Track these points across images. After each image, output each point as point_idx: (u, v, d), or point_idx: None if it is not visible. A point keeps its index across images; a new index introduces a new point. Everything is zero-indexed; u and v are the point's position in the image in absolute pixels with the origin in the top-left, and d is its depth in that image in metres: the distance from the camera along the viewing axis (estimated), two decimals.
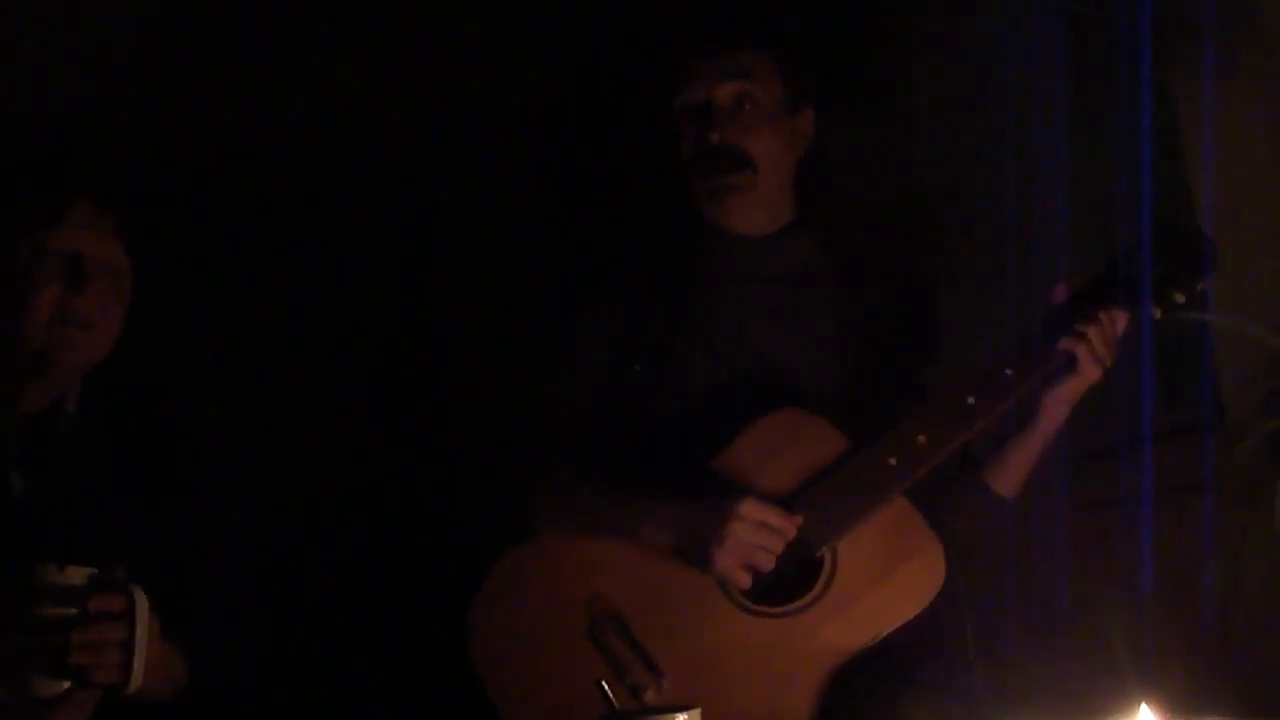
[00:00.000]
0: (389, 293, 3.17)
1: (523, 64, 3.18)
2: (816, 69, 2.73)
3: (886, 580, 2.36)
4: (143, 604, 2.03)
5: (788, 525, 2.34)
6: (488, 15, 3.12)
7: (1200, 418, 2.84)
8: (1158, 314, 2.39)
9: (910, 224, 3.12)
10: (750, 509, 2.33)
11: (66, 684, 2.00)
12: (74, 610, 2.01)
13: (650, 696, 2.34)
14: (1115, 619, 2.77)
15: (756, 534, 2.33)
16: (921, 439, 2.36)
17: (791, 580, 2.36)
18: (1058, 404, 2.42)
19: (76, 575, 2.02)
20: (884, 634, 2.35)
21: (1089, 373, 2.37)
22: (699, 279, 2.61)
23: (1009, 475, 2.50)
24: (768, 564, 2.34)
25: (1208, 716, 1.92)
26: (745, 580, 2.35)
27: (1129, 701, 1.86)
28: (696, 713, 1.94)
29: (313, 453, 3.05)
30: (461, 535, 2.66)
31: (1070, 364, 2.37)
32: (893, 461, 2.36)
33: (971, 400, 2.37)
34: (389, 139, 3.14)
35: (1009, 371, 2.38)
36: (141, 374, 2.37)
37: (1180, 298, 2.38)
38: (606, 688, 2.17)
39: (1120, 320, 2.38)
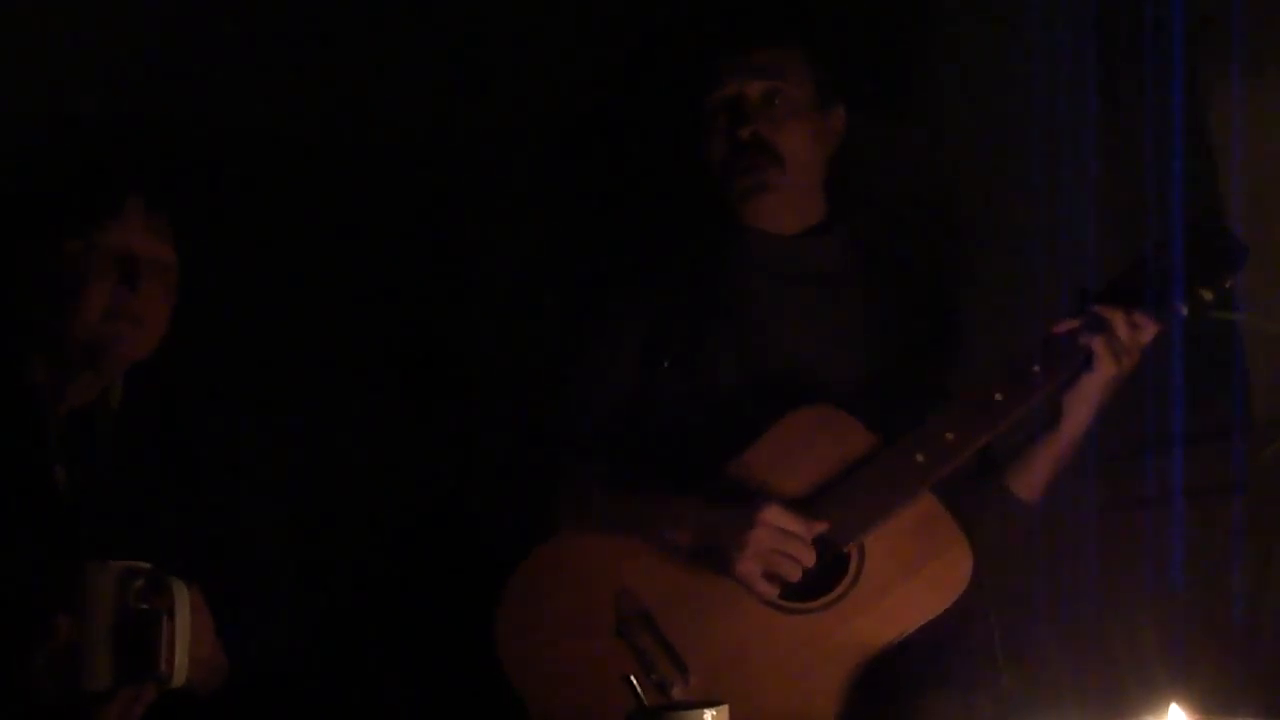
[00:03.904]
0: (419, 291, 3.19)
1: (553, 60, 3.19)
2: (847, 67, 2.73)
3: (913, 577, 2.36)
4: (183, 598, 2.04)
5: (810, 533, 2.34)
6: (518, 12, 3.14)
7: (1230, 419, 2.83)
8: (1185, 312, 2.38)
9: (939, 222, 3.12)
10: (772, 515, 2.33)
11: (112, 679, 2.02)
12: (119, 606, 2.02)
13: (677, 692, 2.34)
14: (1143, 620, 2.76)
15: (778, 541, 2.33)
16: (949, 435, 2.36)
17: (818, 576, 2.36)
18: (1080, 404, 2.41)
19: (121, 570, 2.04)
20: (910, 630, 2.35)
21: (1106, 368, 2.36)
22: (728, 277, 2.61)
23: (1031, 479, 2.49)
24: (793, 573, 2.34)
25: (1237, 717, 1.91)
26: (767, 589, 2.35)
27: (1158, 702, 1.86)
28: (724, 709, 1.94)
29: (344, 448, 3.06)
30: (487, 532, 2.66)
31: (1088, 359, 2.36)
32: (920, 458, 2.36)
33: (999, 397, 2.37)
34: (419, 137, 3.15)
35: (1036, 368, 2.38)
36: (182, 370, 2.39)
37: (1208, 295, 2.37)
38: (634, 683, 2.18)
39: (1148, 328, 2.37)
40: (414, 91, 3.16)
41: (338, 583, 2.91)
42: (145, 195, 2.29)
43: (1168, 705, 1.86)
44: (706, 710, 1.94)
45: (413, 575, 3.05)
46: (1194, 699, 1.87)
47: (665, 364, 2.55)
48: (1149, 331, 2.37)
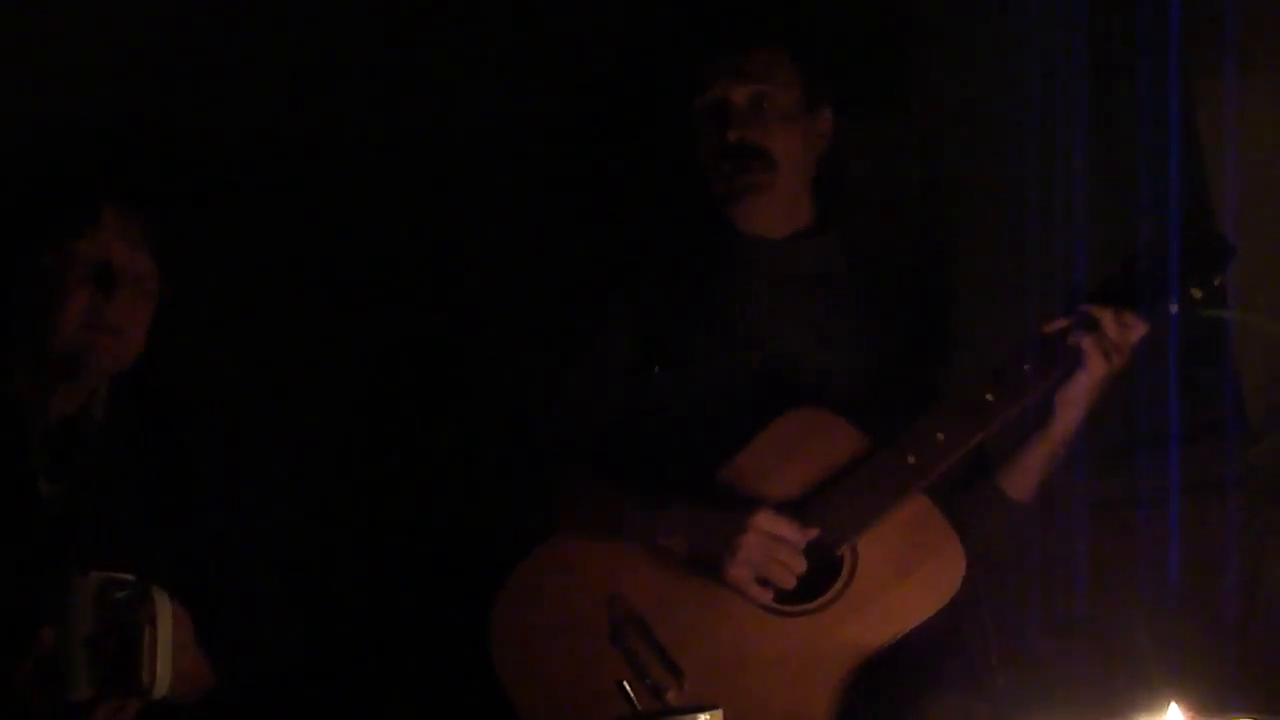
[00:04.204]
0: (409, 295, 3.18)
1: (543, 64, 3.18)
2: (837, 69, 2.73)
3: (906, 578, 2.36)
4: (165, 609, 2.03)
5: (801, 538, 2.34)
6: (509, 15, 3.13)
7: (1221, 417, 2.84)
8: (1175, 310, 2.38)
9: (929, 224, 3.12)
10: (764, 521, 2.33)
11: (94, 690, 2.01)
12: (101, 616, 2.02)
13: (671, 697, 2.34)
14: (1138, 618, 2.76)
15: (769, 547, 2.33)
16: (940, 436, 2.36)
17: (811, 578, 2.36)
18: (1071, 404, 2.41)
19: (102, 581, 2.03)
20: (904, 632, 2.35)
21: (1097, 367, 2.36)
22: (717, 280, 2.62)
23: (1023, 479, 2.49)
24: (785, 579, 2.34)
25: (1230, 715, 1.91)
26: (760, 594, 2.35)
27: (1155, 701, 1.86)
28: (718, 713, 1.94)
29: (335, 455, 3.06)
30: (481, 537, 2.66)
31: (1078, 358, 2.37)
32: (912, 459, 2.36)
33: (990, 397, 2.37)
34: (409, 141, 3.15)
35: (1027, 368, 2.38)
36: (167, 378, 2.39)
37: (1198, 294, 2.36)
38: (628, 688, 2.18)
39: (1137, 327, 2.37)
40: (404, 94, 3.16)
41: (329, 589, 2.90)
42: (122, 204, 2.29)
43: (1166, 704, 1.86)
44: (700, 714, 1.94)
45: (407, 579, 3.05)
46: (1189, 696, 1.87)
47: (656, 368, 2.56)
48: (1138, 330, 2.37)
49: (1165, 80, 2.76)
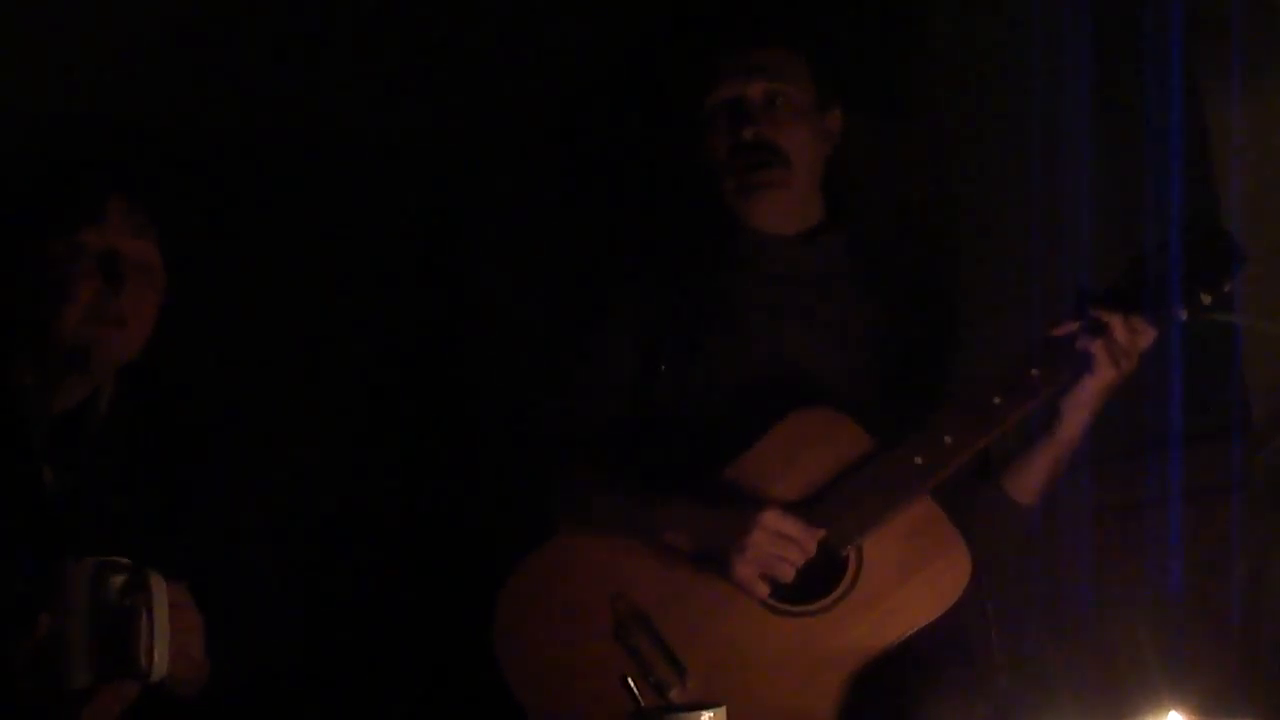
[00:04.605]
0: (413, 292, 3.18)
1: (553, 60, 3.19)
2: (846, 69, 2.73)
3: (911, 580, 2.36)
4: (161, 591, 2.03)
5: (808, 537, 2.34)
6: (519, 11, 3.14)
7: (1227, 421, 2.83)
8: (1184, 315, 2.38)
9: (937, 225, 3.12)
10: (771, 519, 2.33)
11: (92, 676, 2.01)
12: (97, 601, 2.02)
13: (675, 694, 2.34)
14: (1141, 622, 2.76)
15: (776, 545, 2.33)
16: (948, 439, 2.36)
17: (816, 579, 2.36)
18: (1077, 408, 2.40)
19: (98, 565, 2.03)
20: (908, 634, 2.35)
21: (1105, 372, 2.36)
22: (726, 278, 2.61)
23: (1028, 483, 2.48)
24: (788, 575, 2.34)
25: (1235, 718, 1.92)
26: (764, 590, 2.35)
27: (1157, 707, 1.86)
28: (721, 711, 1.94)
29: (338, 452, 3.06)
30: (485, 535, 2.66)
31: (1087, 362, 2.36)
32: (919, 461, 2.36)
33: (998, 401, 2.37)
34: (416, 138, 3.15)
35: (1035, 372, 2.37)
36: (173, 372, 2.39)
37: (1207, 299, 2.36)
38: (632, 685, 2.18)
39: (1147, 333, 2.37)
40: (409, 88, 3.16)
41: (333, 585, 2.91)
42: (128, 195, 2.29)
43: (1167, 712, 1.86)
44: (704, 712, 1.94)
45: (411, 577, 3.05)
46: (1192, 700, 1.87)
47: (663, 366, 2.55)
48: (1148, 336, 2.36)
49: (1172, 81, 2.76)
